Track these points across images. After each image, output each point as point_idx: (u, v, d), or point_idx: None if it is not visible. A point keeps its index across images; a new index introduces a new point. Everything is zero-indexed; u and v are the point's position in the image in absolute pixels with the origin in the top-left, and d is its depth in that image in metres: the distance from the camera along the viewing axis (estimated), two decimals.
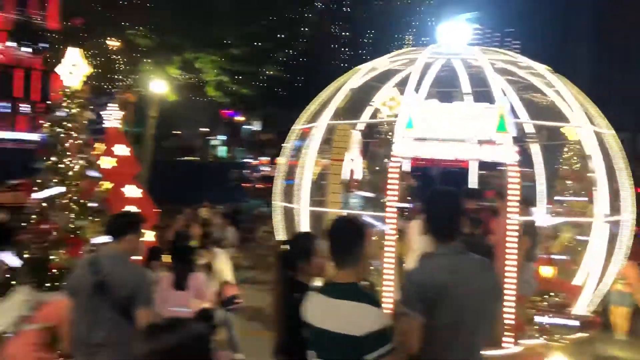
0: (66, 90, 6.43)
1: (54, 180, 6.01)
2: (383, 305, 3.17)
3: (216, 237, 10.54)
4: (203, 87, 20.77)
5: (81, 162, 6.19)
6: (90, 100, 6.98)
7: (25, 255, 5.83)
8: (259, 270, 13.47)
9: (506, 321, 5.66)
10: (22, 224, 6.19)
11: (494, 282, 3.14)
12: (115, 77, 20.32)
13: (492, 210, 7.48)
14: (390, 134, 8.36)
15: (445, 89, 9.13)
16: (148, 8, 18.71)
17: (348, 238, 2.84)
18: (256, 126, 67.16)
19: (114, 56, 19.51)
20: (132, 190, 9.29)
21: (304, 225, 7.69)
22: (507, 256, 6.24)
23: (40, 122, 42.28)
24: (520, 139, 7.60)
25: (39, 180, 6.08)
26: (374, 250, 5.01)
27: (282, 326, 3.46)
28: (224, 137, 64.79)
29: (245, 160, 56.60)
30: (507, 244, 6.28)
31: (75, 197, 6.03)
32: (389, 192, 6.50)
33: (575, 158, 10.91)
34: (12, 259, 5.88)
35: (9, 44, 43.54)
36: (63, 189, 5.98)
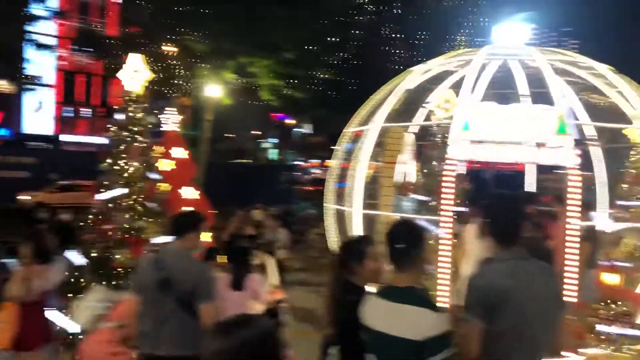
0: (128, 95, 6.66)
1: (117, 182, 6.23)
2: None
3: (269, 238, 10.68)
4: (257, 91, 21.11)
5: (142, 164, 6.40)
6: (150, 104, 7.19)
7: (90, 254, 6.08)
8: (311, 273, 13.55)
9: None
10: (85, 223, 6.44)
11: (556, 289, 3.07)
12: (173, 81, 20.89)
13: (551, 214, 7.28)
14: (444, 136, 8.26)
15: (501, 90, 8.95)
16: (204, 14, 19.16)
17: (407, 242, 2.83)
18: (307, 129, 67.56)
19: (172, 62, 20.07)
20: (189, 192, 9.54)
21: (356, 228, 7.69)
22: (566, 262, 6.06)
23: (104, 125, 43.85)
24: (581, 142, 7.36)
25: (104, 182, 6.32)
26: (429, 254, 4.96)
27: (336, 328, 3.48)
28: (275, 140, 65.48)
29: (295, 162, 56.99)
30: (567, 250, 6.10)
31: (137, 199, 6.24)
32: (443, 196, 6.42)
33: None
34: (77, 258, 6.15)
35: (71, 50, 45.42)
36: (126, 190, 6.20)
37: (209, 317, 3.76)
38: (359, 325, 2.91)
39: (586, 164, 8.51)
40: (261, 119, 54.55)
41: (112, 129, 6.47)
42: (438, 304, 5.46)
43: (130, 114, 6.53)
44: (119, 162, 6.26)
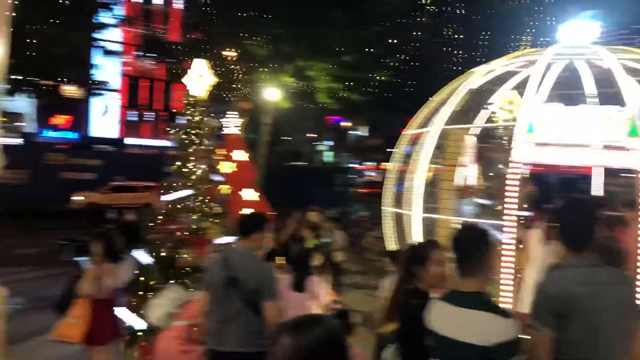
0: (192, 99, 6.85)
1: (183, 184, 6.42)
2: None
3: (325, 240, 10.72)
4: (314, 94, 21.25)
5: (205, 166, 6.57)
6: (212, 108, 7.37)
7: (156, 254, 6.29)
8: (367, 276, 13.51)
9: None
10: (152, 223, 6.66)
11: (631, 297, 2.94)
12: (233, 86, 21.32)
13: (620, 220, 6.97)
14: (506, 138, 8.06)
15: (567, 91, 8.65)
16: (263, 19, 19.47)
17: (474, 246, 2.79)
18: (362, 131, 67.36)
19: (232, 66, 20.48)
20: (249, 194, 9.72)
21: (415, 231, 7.61)
22: (639, 270, 5.79)
23: (166, 129, 45.19)
24: None
25: (170, 184, 6.53)
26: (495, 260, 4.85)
27: (397, 331, 3.46)
28: (330, 143, 65.63)
29: (350, 165, 56.92)
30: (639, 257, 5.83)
31: (201, 200, 6.41)
32: (507, 200, 6.26)
33: None
34: (143, 257, 6.37)
35: (136, 56, 47.10)
36: (191, 191, 6.39)
37: (272, 316, 3.88)
38: (422, 330, 2.89)
39: None
40: (317, 122, 54.82)
41: (177, 132, 6.67)
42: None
43: (195, 118, 6.71)
44: (186, 164, 6.44)
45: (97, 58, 32.51)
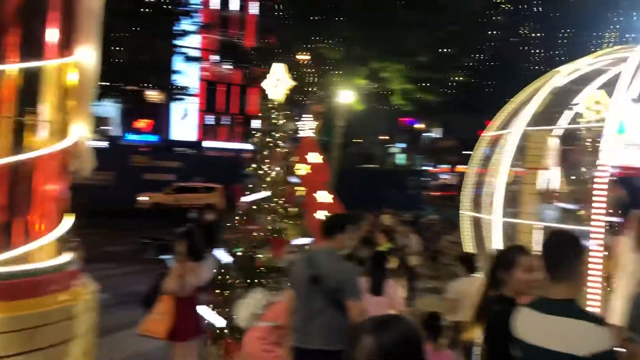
0: (270, 102, 6.98)
1: (260, 186, 6.56)
2: None
3: (400, 244, 10.60)
4: (388, 96, 21.13)
5: (283, 169, 6.68)
6: (288, 111, 7.46)
7: (235, 253, 6.46)
8: (442, 280, 13.24)
9: None
10: (232, 224, 6.84)
11: None
12: (307, 89, 21.56)
13: None
14: (594, 140, 7.68)
15: None
16: (337, 22, 19.57)
17: (566, 252, 2.67)
18: (436, 133, 66.30)
19: (305, 69, 20.72)
20: (324, 196, 9.78)
21: (496, 236, 7.39)
22: None
23: (242, 132, 46.23)
24: None
25: (248, 185, 6.68)
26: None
27: (484, 338, 3.37)
28: (402, 145, 64.99)
29: (424, 167, 56.12)
30: None
31: (279, 202, 6.52)
32: (594, 205, 5.97)
33: None
34: (224, 256, 6.56)
35: (213, 62, 48.60)
36: (268, 193, 6.51)
37: (356, 315, 3.94)
38: (506, 337, 2.81)
39: None
40: (390, 124, 54.48)
41: (255, 135, 6.82)
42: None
43: (274, 121, 6.83)
44: (263, 166, 6.58)
45: (178, 64, 33.85)
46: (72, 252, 3.88)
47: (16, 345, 3.22)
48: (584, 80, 8.40)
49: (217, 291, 6.33)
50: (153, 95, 38.96)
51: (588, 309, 5.85)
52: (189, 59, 31.55)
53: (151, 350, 7.01)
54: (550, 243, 2.76)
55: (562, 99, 8.53)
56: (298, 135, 10.12)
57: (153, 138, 48.04)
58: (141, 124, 47.80)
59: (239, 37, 47.42)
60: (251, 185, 6.61)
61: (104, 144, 35.84)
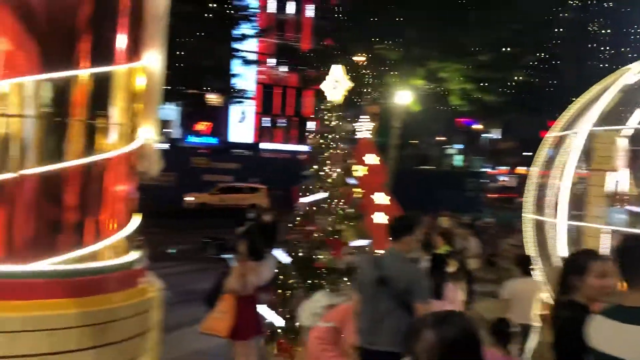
0: (328, 104, 7.01)
1: (319, 187, 6.59)
2: None
3: (458, 247, 10.40)
4: (445, 97, 20.81)
5: (339, 170, 6.69)
6: (346, 112, 7.47)
7: (294, 254, 6.51)
8: (501, 284, 12.89)
9: None
10: (289, 224, 6.90)
11: None
12: (363, 90, 21.51)
13: None
14: None
15: None
16: (395, 23, 19.43)
17: None
18: (495, 134, 64.77)
19: (362, 70, 20.67)
20: (381, 198, 9.72)
21: (560, 240, 7.15)
22: None
23: (297, 134, 46.73)
24: None
25: (307, 186, 6.73)
26: None
27: (554, 346, 3.25)
28: (460, 146, 63.82)
29: (482, 169, 54.91)
30: None
31: (337, 203, 6.53)
32: None
33: None
34: (282, 256, 6.62)
35: (270, 65, 49.27)
36: (326, 194, 6.53)
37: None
38: (576, 345, 2.70)
39: None
40: (447, 125, 53.65)
41: (314, 136, 6.86)
42: None
43: (332, 123, 6.85)
44: (322, 168, 6.61)
45: (236, 67, 34.50)
46: (139, 251, 4.01)
47: (88, 340, 3.34)
48: None
49: (276, 291, 6.39)
50: (213, 98, 39.88)
51: None
52: (247, 62, 32.10)
53: (212, 348, 7.16)
54: (627, 248, 2.64)
55: (631, 97, 8.18)
56: (355, 137, 10.10)
57: (212, 140, 49.16)
58: (201, 126, 49.02)
59: (295, 40, 47.86)
60: (309, 187, 6.65)
61: (165, 146, 36.97)
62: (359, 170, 9.59)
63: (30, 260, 3.36)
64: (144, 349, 3.71)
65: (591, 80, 8.49)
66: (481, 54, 18.77)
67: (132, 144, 3.82)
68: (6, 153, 3.37)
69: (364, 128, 10.26)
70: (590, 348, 2.61)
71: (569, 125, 8.08)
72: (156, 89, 4.06)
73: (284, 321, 6.22)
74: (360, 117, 10.51)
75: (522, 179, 56.20)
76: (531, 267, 6.75)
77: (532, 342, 6.30)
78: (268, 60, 47.68)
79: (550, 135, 8.50)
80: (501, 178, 58.89)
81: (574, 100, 8.66)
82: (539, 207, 8.33)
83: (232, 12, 27.39)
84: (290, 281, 6.32)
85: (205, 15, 25.27)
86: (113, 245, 3.69)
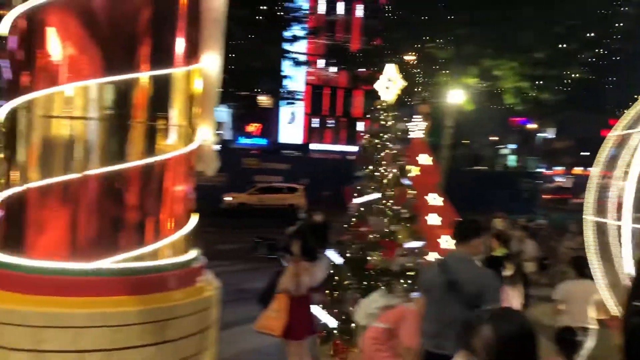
0: (381, 104, 6.95)
1: (372, 187, 6.54)
2: None
3: (515, 250, 10.13)
4: (500, 95, 20.33)
5: (395, 170, 6.62)
6: (399, 112, 7.39)
7: (347, 255, 6.48)
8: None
9: None
10: (344, 225, 6.88)
11: None
12: (414, 89, 21.29)
13: None
14: None
15: None
16: (447, 21, 19.14)
17: None
18: (550, 133, 62.89)
19: (413, 70, 20.45)
20: (434, 199, 9.57)
21: (625, 244, 6.83)
22: None
23: (346, 134, 46.64)
24: None
25: (360, 187, 6.69)
26: None
27: (627, 354, 3.11)
28: (513, 146, 62.29)
29: (537, 169, 53.39)
30: None
31: (390, 203, 6.47)
32: None
33: None
34: (335, 257, 6.60)
35: (321, 66, 49.45)
36: (379, 195, 6.47)
37: None
38: None
39: None
40: (500, 124, 52.47)
41: (366, 136, 6.81)
42: None
43: (382, 122, 6.79)
44: (377, 168, 6.55)
45: (287, 69, 34.80)
46: (196, 250, 4.07)
47: (149, 336, 3.42)
48: None
49: (329, 292, 6.38)
50: (263, 100, 40.33)
51: None
52: (298, 63, 32.29)
53: (265, 347, 7.21)
54: None
55: None
56: (408, 137, 9.98)
57: (261, 141, 49.74)
58: (251, 128, 49.69)
59: (344, 40, 47.86)
60: (361, 187, 6.62)
61: (217, 147, 37.58)
62: (412, 171, 9.46)
63: (93, 258, 3.48)
64: (203, 346, 3.77)
65: None
66: (537, 51, 18.22)
67: (190, 145, 3.90)
68: (71, 154, 3.49)
69: (417, 128, 10.13)
70: None
71: (634, 123, 7.70)
72: (213, 90, 4.14)
73: (337, 322, 6.19)
74: (413, 116, 10.37)
75: (579, 179, 54.42)
76: (587, 269, 6.51)
77: (588, 345, 6.08)
78: (318, 61, 47.87)
79: (613, 134, 8.13)
80: (557, 179, 57.12)
81: (637, 98, 8.28)
82: (601, 209, 7.99)
83: (282, 13, 27.63)
84: (344, 282, 6.29)
85: (257, 17, 25.58)
86: (172, 244, 3.77)
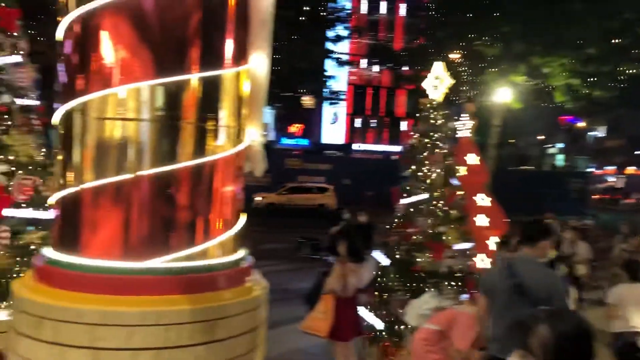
0: (428, 103, 6.84)
1: (419, 188, 6.45)
2: None
3: (567, 252, 9.82)
4: (547, 93, 19.76)
5: (441, 170, 6.50)
6: (447, 111, 7.26)
7: (394, 256, 6.40)
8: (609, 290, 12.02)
9: None
10: (389, 226, 6.79)
11: None
12: (460, 88, 20.93)
13: None
14: None
15: None
16: (494, 17, 18.72)
17: None
18: (600, 132, 60.82)
19: (460, 68, 20.12)
20: (482, 199, 9.34)
21: None
22: None
23: (389, 134, 46.32)
24: None
25: (407, 187, 6.60)
26: None
27: None
28: (561, 145, 60.59)
29: (587, 169, 51.77)
30: None
31: (438, 204, 6.35)
32: None
33: None
34: (382, 258, 6.53)
35: (363, 66, 49.32)
36: (426, 195, 6.37)
37: None
38: None
39: None
40: (547, 123, 51.11)
41: (415, 136, 6.72)
42: None
43: (431, 121, 6.69)
44: (421, 168, 6.45)
45: (330, 69, 34.82)
46: (245, 249, 4.09)
47: (199, 335, 3.45)
48: None
49: (375, 293, 6.32)
50: (306, 100, 40.48)
51: None
52: (341, 63, 32.24)
53: (310, 347, 7.21)
54: None
55: None
56: (456, 136, 9.79)
57: (304, 142, 49.96)
58: (294, 128, 49.97)
59: (388, 39, 47.56)
60: (408, 187, 6.52)
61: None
62: (460, 171, 9.27)
63: (145, 257, 3.53)
64: (251, 346, 3.78)
65: None
66: (588, 47, 17.59)
67: (239, 145, 3.91)
68: (124, 155, 3.55)
69: (465, 127, 9.93)
70: None
71: None
72: (262, 91, 4.15)
73: (384, 324, 6.12)
74: (462, 115, 10.17)
75: (631, 179, 52.39)
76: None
77: None
78: (361, 60, 47.71)
79: None
80: (609, 179, 55.27)
81: None
82: None
83: (325, 14, 27.62)
84: (390, 284, 6.21)
85: (300, 18, 25.65)
86: (221, 244, 3.79)
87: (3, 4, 5.52)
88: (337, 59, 31.37)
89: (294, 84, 29.23)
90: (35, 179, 5.19)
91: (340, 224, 11.11)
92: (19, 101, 5.37)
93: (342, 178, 32.70)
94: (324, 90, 34.62)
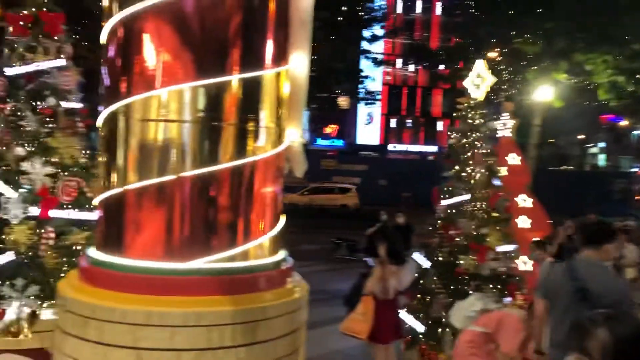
0: (468, 101, 6.72)
1: (460, 188, 6.33)
2: None
3: (614, 255, 9.47)
4: (590, 91, 19.22)
5: (484, 170, 6.37)
6: (489, 110, 7.12)
7: (435, 258, 6.30)
8: None
9: None
10: (431, 227, 6.69)
11: None
12: (500, 87, 20.56)
13: None
14: None
15: None
16: (535, 14, 18.29)
17: None
18: None
19: (499, 66, 19.74)
20: (524, 200, 9.17)
21: None
22: None
23: (424, 134, 45.90)
24: None
25: (447, 188, 6.50)
26: None
27: None
28: (602, 144, 58.92)
29: (630, 169, 50.21)
30: None
31: (481, 205, 6.23)
32: None
33: None
34: (423, 260, 6.44)
35: (400, 65, 49.00)
36: (468, 196, 6.25)
37: None
38: None
39: None
40: (588, 121, 49.78)
41: (454, 136, 6.61)
42: None
43: (471, 121, 6.57)
44: (464, 168, 6.34)
45: (366, 69, 34.72)
46: (285, 250, 4.07)
47: (240, 337, 3.43)
48: None
49: (417, 296, 6.23)
50: (341, 101, 40.46)
51: None
52: (378, 63, 32.11)
53: (349, 349, 7.17)
54: None
55: None
56: (497, 136, 9.62)
57: (338, 143, 49.96)
58: (329, 129, 50.02)
59: (424, 39, 47.14)
60: (449, 188, 6.41)
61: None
62: (502, 171, 9.10)
63: (187, 258, 3.54)
64: (292, 348, 3.75)
65: None
66: (634, 43, 17.01)
67: (279, 146, 3.90)
68: (166, 157, 3.57)
69: (505, 126, 9.74)
70: None
71: None
72: (302, 92, 4.12)
73: (424, 327, 6.03)
74: (502, 114, 9.98)
75: None
76: None
77: None
78: (397, 60, 47.43)
79: None
80: None
81: None
82: None
83: (362, 14, 27.54)
84: (432, 286, 6.12)
85: (337, 18, 25.64)
86: (262, 245, 3.78)
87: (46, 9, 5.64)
88: (374, 59, 31.22)
89: (330, 85, 29.21)
90: (79, 180, 5.28)
91: (376, 225, 11.02)
92: (64, 104, 5.47)
93: (378, 179, 32.53)
94: (360, 90, 34.52)
